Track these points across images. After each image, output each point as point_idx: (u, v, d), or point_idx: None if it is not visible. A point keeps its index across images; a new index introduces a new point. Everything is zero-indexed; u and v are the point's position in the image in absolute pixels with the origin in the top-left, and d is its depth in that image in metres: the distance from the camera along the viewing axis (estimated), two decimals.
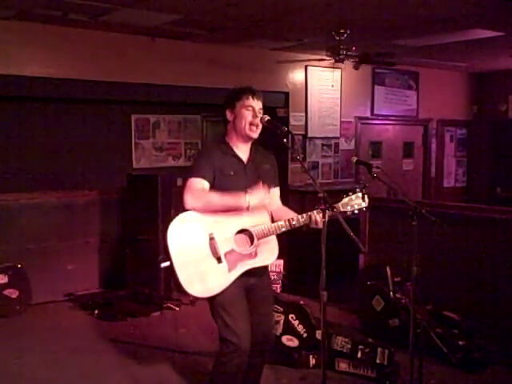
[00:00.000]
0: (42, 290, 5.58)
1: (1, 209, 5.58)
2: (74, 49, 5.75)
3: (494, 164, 9.32)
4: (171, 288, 5.59)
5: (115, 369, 4.13)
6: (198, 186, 2.91)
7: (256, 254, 2.93)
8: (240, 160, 3.05)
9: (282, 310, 4.20)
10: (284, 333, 4.18)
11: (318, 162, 7.72)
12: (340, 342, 4.05)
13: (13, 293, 5.36)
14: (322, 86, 7.64)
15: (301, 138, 7.49)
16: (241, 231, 2.92)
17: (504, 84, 8.98)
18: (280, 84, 7.30)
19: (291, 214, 3.04)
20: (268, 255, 2.98)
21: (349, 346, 4.02)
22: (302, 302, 4.26)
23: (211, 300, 2.94)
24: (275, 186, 3.21)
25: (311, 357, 4.09)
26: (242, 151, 3.07)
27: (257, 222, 2.94)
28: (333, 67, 7.48)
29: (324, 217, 2.69)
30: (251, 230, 2.91)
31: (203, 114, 8.01)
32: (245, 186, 2.95)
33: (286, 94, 7.38)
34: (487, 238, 4.54)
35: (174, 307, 5.47)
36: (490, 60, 7.90)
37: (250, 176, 3.03)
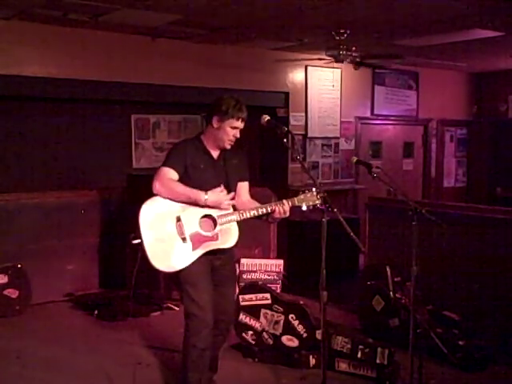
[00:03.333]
0: (42, 290, 5.58)
1: (1, 209, 5.58)
2: (74, 49, 5.75)
3: (494, 164, 9.32)
4: (171, 288, 5.60)
5: (115, 369, 4.12)
6: (168, 175, 3.20)
7: (217, 237, 3.22)
8: (211, 156, 3.35)
9: (281, 309, 4.20)
10: (284, 333, 4.18)
11: (318, 162, 7.72)
12: (340, 342, 4.05)
13: (13, 293, 5.36)
14: (322, 85, 7.65)
15: (301, 137, 7.49)
16: (205, 216, 3.22)
17: (504, 84, 8.98)
18: (280, 84, 7.30)
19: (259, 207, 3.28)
20: (228, 239, 3.26)
21: (349, 346, 4.02)
22: (301, 302, 4.25)
23: (178, 277, 3.22)
24: (244, 180, 3.49)
25: (311, 357, 4.09)
26: (214, 149, 3.37)
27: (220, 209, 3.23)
28: (333, 67, 7.48)
29: (324, 216, 2.70)
30: (214, 215, 3.21)
31: (203, 114, 8.00)
32: (213, 179, 3.27)
33: (286, 94, 7.38)
34: (487, 237, 4.54)
35: (173, 307, 5.47)
36: (490, 60, 7.90)
37: (218, 170, 3.33)
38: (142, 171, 7.23)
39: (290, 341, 4.17)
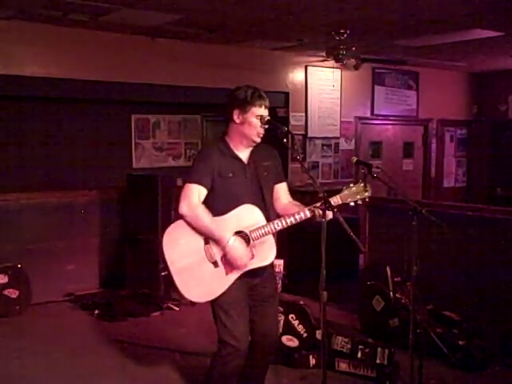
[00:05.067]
0: (41, 290, 5.58)
1: (1, 209, 5.58)
2: (74, 49, 5.75)
3: (494, 164, 9.32)
4: (171, 288, 5.60)
5: (115, 369, 4.13)
6: (196, 194, 2.88)
7: (253, 255, 2.90)
8: (240, 160, 2.99)
9: (282, 310, 4.20)
10: (284, 333, 4.18)
11: (317, 162, 7.73)
12: (340, 342, 4.05)
13: (13, 293, 5.36)
14: (322, 86, 7.64)
15: (301, 137, 7.49)
16: (236, 234, 2.89)
17: (504, 84, 8.98)
18: (280, 84, 7.30)
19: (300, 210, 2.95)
20: (265, 255, 2.93)
21: (349, 345, 4.02)
22: (301, 302, 4.25)
23: (212, 302, 2.94)
24: (280, 182, 3.16)
25: (311, 357, 4.09)
26: (243, 151, 3.02)
27: (251, 222, 2.91)
28: (333, 67, 7.48)
29: (324, 217, 2.69)
30: (246, 231, 2.89)
31: (203, 114, 8.01)
32: (244, 189, 2.95)
33: (286, 94, 7.38)
34: (487, 237, 4.54)
35: (174, 307, 5.47)
36: (490, 60, 7.90)
37: (250, 177, 2.99)
38: (142, 171, 7.25)
39: (290, 341, 4.17)
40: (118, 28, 5.73)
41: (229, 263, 2.87)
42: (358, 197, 2.91)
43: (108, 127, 7.17)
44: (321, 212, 2.76)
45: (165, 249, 2.89)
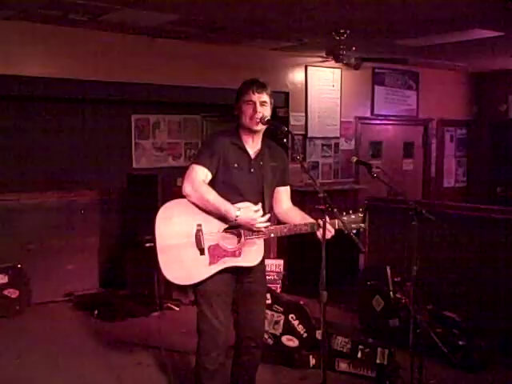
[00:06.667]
0: (41, 290, 5.58)
1: (1, 209, 5.58)
2: (74, 49, 5.75)
3: (494, 164, 9.31)
4: (171, 288, 5.60)
5: (115, 369, 4.12)
6: (200, 175, 2.89)
7: (240, 253, 2.89)
8: (246, 153, 2.99)
9: (282, 310, 4.20)
10: (284, 333, 4.18)
11: (317, 162, 7.72)
12: (340, 342, 4.05)
13: (13, 293, 5.36)
14: (322, 85, 7.64)
15: (301, 137, 7.48)
16: (230, 228, 2.89)
17: (504, 84, 8.98)
18: (280, 84, 7.29)
19: (301, 219, 3.00)
20: (251, 257, 2.93)
21: (349, 346, 4.02)
22: (302, 302, 4.26)
23: (196, 290, 2.98)
24: (284, 185, 3.17)
25: (311, 357, 4.09)
26: (251, 145, 3.02)
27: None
28: (333, 67, 7.48)
29: (323, 216, 2.69)
30: (240, 229, 2.89)
31: (203, 114, 8.01)
32: (247, 183, 2.94)
33: (286, 94, 7.37)
34: (487, 237, 4.54)
35: (174, 307, 5.47)
36: (489, 60, 7.90)
37: (254, 172, 2.98)
38: (142, 171, 7.25)
39: (290, 341, 4.17)
40: (118, 28, 5.73)
41: (215, 254, 2.86)
42: (354, 226, 2.93)
43: (108, 127, 7.16)
44: (321, 231, 2.74)
45: (157, 223, 2.84)
